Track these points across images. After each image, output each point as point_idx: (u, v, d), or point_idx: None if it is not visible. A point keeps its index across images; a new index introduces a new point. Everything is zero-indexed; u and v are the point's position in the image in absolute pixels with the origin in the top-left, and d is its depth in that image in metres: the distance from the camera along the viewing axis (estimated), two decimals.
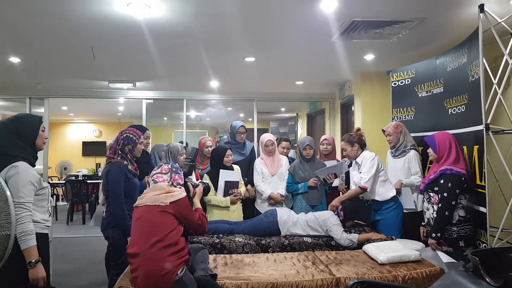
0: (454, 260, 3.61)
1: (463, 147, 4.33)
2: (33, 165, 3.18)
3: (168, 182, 3.34)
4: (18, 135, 3.12)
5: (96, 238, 4.96)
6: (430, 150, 4.22)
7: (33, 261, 2.90)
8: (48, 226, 3.21)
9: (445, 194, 3.89)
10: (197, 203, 3.64)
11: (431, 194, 4.09)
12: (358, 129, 4.97)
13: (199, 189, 3.77)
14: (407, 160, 4.93)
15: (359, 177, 4.74)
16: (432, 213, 4.06)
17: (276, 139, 5.69)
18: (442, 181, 3.95)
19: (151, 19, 4.37)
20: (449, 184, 3.89)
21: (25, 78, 7.56)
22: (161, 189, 3.22)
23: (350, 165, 5.19)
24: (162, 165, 3.49)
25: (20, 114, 3.32)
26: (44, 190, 3.18)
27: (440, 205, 3.93)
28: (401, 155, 4.99)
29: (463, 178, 3.91)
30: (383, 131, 5.12)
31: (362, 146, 4.86)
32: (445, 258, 3.68)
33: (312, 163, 5.32)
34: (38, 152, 3.30)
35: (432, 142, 4.18)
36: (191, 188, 3.72)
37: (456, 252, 3.88)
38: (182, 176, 3.49)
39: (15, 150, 3.07)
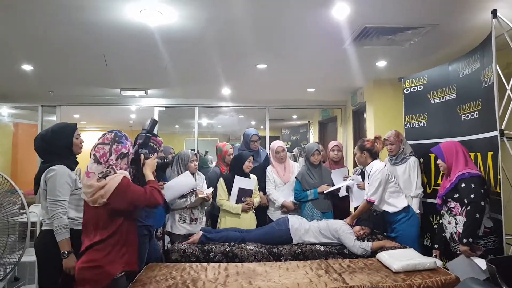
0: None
1: (477, 153, 4.29)
2: (72, 169, 3.53)
3: (108, 158, 2.97)
4: (54, 146, 3.48)
5: None
6: (439, 161, 4.08)
7: (66, 252, 3.24)
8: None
9: (472, 196, 3.63)
10: (149, 175, 3.26)
11: (452, 204, 3.86)
12: (376, 137, 4.93)
13: (150, 161, 3.34)
14: (407, 167, 4.96)
15: (367, 189, 4.74)
16: (455, 226, 3.84)
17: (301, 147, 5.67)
18: (463, 185, 3.72)
19: (163, 26, 4.38)
20: (472, 185, 3.66)
21: (37, 86, 7.61)
22: (90, 187, 2.90)
23: (361, 173, 5.18)
24: (105, 133, 3.12)
25: (55, 126, 3.61)
26: (80, 190, 3.40)
27: (468, 207, 3.67)
28: (401, 162, 5.03)
29: (482, 178, 3.73)
30: (384, 140, 5.10)
31: (373, 155, 4.80)
32: (482, 264, 3.51)
33: (319, 169, 5.29)
34: (77, 156, 3.66)
35: (439, 152, 4.07)
36: (142, 158, 3.34)
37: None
38: (127, 144, 3.12)
39: (54, 157, 3.45)
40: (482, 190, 3.65)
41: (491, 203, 3.90)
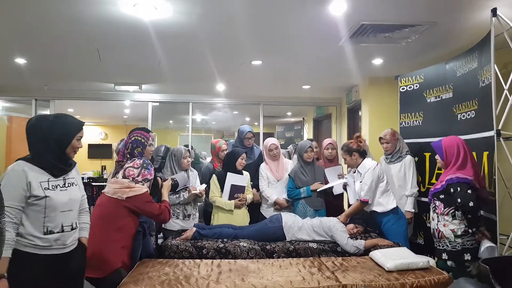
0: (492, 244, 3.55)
1: (472, 153, 4.26)
2: (55, 175, 2.82)
3: (135, 177, 3.63)
4: (47, 138, 2.80)
5: None
6: (437, 157, 3.96)
7: None
8: (38, 246, 2.71)
9: (459, 200, 3.57)
10: (165, 195, 4.02)
11: (437, 203, 3.81)
12: (357, 136, 4.91)
13: (167, 183, 4.16)
14: (403, 166, 4.96)
15: (359, 189, 4.71)
16: (436, 224, 3.80)
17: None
18: (451, 190, 3.66)
19: (157, 21, 4.33)
20: (458, 188, 3.59)
21: (31, 80, 7.51)
22: (121, 184, 3.55)
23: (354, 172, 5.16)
24: (135, 159, 3.77)
25: (61, 115, 2.97)
26: (39, 200, 2.71)
27: (461, 211, 3.62)
28: (397, 160, 5.03)
29: (470, 185, 3.61)
30: (380, 139, 5.09)
31: (362, 154, 4.79)
32: (485, 244, 3.56)
33: (312, 167, 5.27)
34: (69, 160, 2.95)
35: (439, 148, 3.92)
36: (159, 181, 4.12)
37: (458, 268, 3.59)
38: (152, 172, 3.76)
39: (33, 152, 2.81)
40: (469, 191, 3.56)
41: (485, 203, 3.88)
